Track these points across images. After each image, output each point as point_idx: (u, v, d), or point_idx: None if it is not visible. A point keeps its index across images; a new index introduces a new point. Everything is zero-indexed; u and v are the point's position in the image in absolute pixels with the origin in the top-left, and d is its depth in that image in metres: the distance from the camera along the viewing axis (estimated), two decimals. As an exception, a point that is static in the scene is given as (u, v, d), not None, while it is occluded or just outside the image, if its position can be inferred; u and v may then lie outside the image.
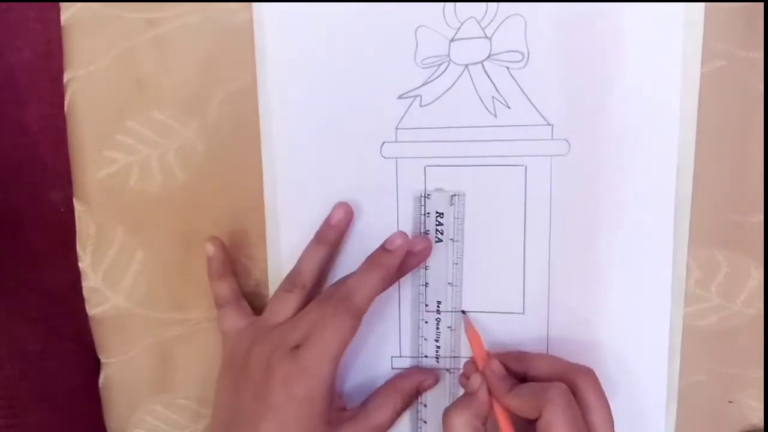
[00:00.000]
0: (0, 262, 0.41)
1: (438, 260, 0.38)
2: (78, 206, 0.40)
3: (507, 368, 0.34)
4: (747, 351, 0.38)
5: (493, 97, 0.36)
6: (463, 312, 0.38)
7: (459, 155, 0.37)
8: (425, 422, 0.39)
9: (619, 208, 0.36)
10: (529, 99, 0.36)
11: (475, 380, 0.34)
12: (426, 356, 0.38)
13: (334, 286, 0.36)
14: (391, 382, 0.37)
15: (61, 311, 0.42)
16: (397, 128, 0.37)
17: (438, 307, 0.38)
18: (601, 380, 0.32)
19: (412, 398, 0.37)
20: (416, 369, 0.38)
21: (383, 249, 0.36)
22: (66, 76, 0.38)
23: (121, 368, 0.42)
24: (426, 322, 0.38)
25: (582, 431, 0.30)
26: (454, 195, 0.37)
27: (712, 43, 0.34)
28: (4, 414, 0.41)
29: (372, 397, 0.37)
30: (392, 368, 0.39)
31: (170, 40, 0.37)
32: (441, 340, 0.38)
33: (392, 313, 0.38)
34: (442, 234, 0.37)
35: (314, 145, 0.37)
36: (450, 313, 0.38)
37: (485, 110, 0.36)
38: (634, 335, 0.37)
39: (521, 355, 0.35)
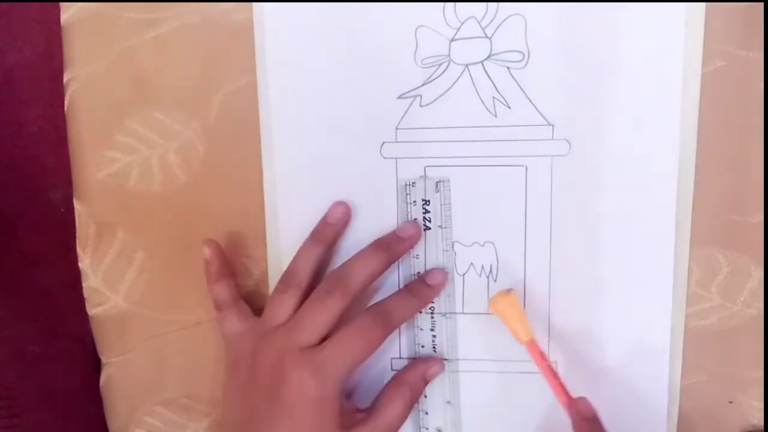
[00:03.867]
0: (0, 262, 0.41)
1: (428, 248, 0.37)
2: (78, 206, 0.40)
3: None
4: (747, 351, 0.37)
5: (493, 97, 0.36)
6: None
7: (459, 155, 0.36)
8: (426, 413, 0.38)
9: (620, 209, 0.36)
10: (529, 99, 0.36)
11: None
12: (423, 346, 0.38)
13: (335, 276, 0.35)
14: (397, 376, 0.37)
15: (61, 311, 0.42)
16: (397, 128, 0.37)
17: None
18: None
19: (419, 389, 0.37)
20: (420, 359, 0.38)
21: (422, 281, 0.37)
22: (66, 76, 0.38)
23: (122, 368, 0.42)
24: (420, 312, 0.38)
25: None
26: (439, 181, 0.37)
27: (712, 43, 0.34)
28: (4, 414, 0.41)
29: (380, 394, 0.36)
30: (392, 369, 0.39)
31: (170, 40, 0.37)
32: (436, 329, 0.38)
33: None
34: (429, 222, 0.37)
35: (314, 145, 0.37)
36: (443, 300, 0.38)
37: (485, 110, 0.36)
38: (636, 335, 0.37)
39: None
